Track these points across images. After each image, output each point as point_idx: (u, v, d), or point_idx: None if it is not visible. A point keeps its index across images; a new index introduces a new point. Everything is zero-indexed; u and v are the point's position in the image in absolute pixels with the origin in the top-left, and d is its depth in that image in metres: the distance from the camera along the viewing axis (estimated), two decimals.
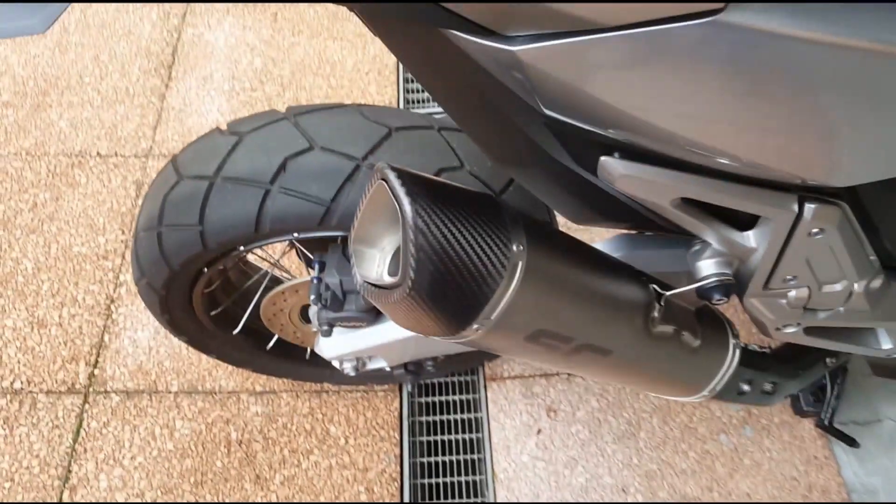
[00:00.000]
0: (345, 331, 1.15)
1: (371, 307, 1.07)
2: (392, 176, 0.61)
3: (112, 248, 1.74)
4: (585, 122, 0.58)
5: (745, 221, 0.72)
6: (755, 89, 0.51)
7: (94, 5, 2.13)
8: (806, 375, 1.03)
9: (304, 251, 1.16)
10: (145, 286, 1.14)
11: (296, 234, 1.02)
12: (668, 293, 0.77)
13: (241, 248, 1.04)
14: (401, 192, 0.59)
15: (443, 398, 1.58)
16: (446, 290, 0.61)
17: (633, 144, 0.61)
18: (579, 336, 0.70)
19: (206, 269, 1.09)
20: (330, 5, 2.18)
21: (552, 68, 0.52)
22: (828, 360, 1.06)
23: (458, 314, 0.63)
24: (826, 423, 1.28)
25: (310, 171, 0.95)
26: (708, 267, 0.76)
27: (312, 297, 1.06)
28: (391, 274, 0.70)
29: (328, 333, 1.12)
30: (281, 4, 2.15)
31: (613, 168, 0.62)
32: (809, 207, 0.66)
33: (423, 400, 1.58)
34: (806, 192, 0.67)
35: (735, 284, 0.75)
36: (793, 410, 1.37)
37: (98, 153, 1.87)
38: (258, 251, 1.28)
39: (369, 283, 0.68)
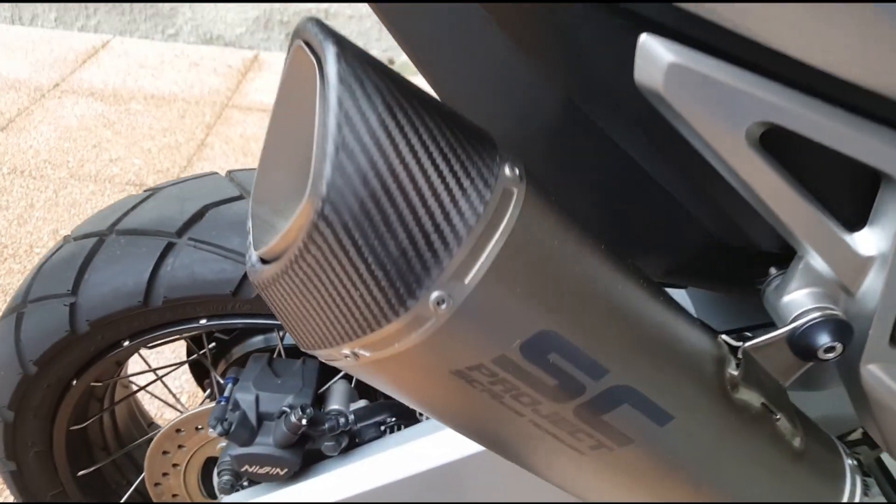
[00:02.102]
0: (257, 491, 0.80)
1: (296, 441, 0.74)
2: (315, 28, 0.38)
3: None
4: None
5: (851, 219, 0.48)
6: None
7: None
8: None
9: (216, 378, 0.86)
10: None
11: (204, 321, 0.74)
12: (745, 344, 0.49)
13: (126, 342, 0.75)
14: (326, 39, 0.36)
15: None
16: (386, 210, 0.35)
17: (685, 26, 0.39)
18: (618, 368, 0.41)
19: (74, 381, 0.79)
20: None
21: None
22: None
23: (406, 262, 0.35)
24: None
25: (233, 221, 0.71)
26: (801, 301, 0.49)
27: (212, 420, 0.74)
28: None
29: (229, 488, 0.77)
30: None
31: (658, 54, 0.39)
32: None
33: None
34: None
35: (846, 326, 0.47)
36: None
37: None
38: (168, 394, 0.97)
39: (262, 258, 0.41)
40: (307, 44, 0.37)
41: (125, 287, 0.70)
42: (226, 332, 0.90)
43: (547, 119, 0.48)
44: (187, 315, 0.73)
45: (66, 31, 2.94)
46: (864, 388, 0.50)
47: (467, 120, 0.39)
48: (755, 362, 0.49)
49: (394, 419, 0.78)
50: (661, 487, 0.46)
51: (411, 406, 0.46)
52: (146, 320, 0.73)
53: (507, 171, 0.38)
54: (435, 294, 0.36)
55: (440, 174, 0.35)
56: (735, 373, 0.47)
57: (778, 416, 0.49)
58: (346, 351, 0.40)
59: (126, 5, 2.84)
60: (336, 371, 0.83)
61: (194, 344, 0.90)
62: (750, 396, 0.47)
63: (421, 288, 0.36)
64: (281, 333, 0.83)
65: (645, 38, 0.40)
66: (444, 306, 0.36)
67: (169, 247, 0.70)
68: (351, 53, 0.35)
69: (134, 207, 0.75)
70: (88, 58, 2.82)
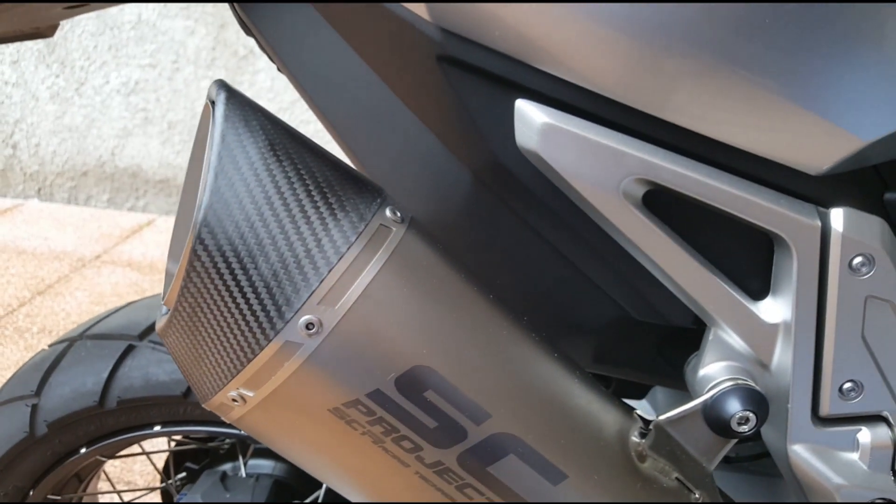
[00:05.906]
0: None
1: None
2: (216, 83, 0.43)
3: None
4: (496, 41, 0.43)
5: (754, 288, 0.48)
6: None
7: None
8: None
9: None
10: None
11: (159, 427, 0.74)
12: (659, 418, 0.48)
13: (83, 449, 0.76)
14: (221, 87, 0.41)
15: None
16: (260, 234, 0.38)
17: (561, 93, 0.44)
18: (501, 413, 0.41)
19: (31, 491, 0.78)
20: None
21: None
22: None
23: (277, 283, 0.38)
24: None
25: None
26: (715, 373, 0.48)
27: None
28: None
29: None
30: None
31: (533, 116, 0.43)
32: (836, 212, 0.44)
33: None
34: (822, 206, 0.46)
35: (758, 395, 0.46)
36: None
37: None
38: None
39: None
40: (212, 102, 0.43)
41: (83, 387, 0.72)
42: (195, 461, 0.89)
43: (458, 199, 0.52)
44: (143, 420, 0.74)
45: (116, 210, 3.21)
46: (794, 471, 0.48)
47: (355, 170, 0.43)
48: (671, 438, 0.47)
49: None
50: None
51: (305, 465, 0.45)
52: (102, 424, 0.74)
53: (387, 212, 0.41)
54: (304, 318, 0.38)
55: (315, 204, 0.38)
56: (639, 440, 0.45)
57: (697, 495, 0.46)
58: (233, 393, 0.41)
59: (174, 188, 3.11)
60: (292, 496, 0.80)
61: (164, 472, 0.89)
62: (661, 468, 0.45)
63: (291, 310, 0.38)
64: (242, 451, 0.82)
65: (521, 103, 0.44)
66: (314, 331, 0.38)
67: (129, 349, 0.72)
68: (241, 99, 0.40)
69: (108, 316, 0.79)
70: (132, 234, 3.04)
